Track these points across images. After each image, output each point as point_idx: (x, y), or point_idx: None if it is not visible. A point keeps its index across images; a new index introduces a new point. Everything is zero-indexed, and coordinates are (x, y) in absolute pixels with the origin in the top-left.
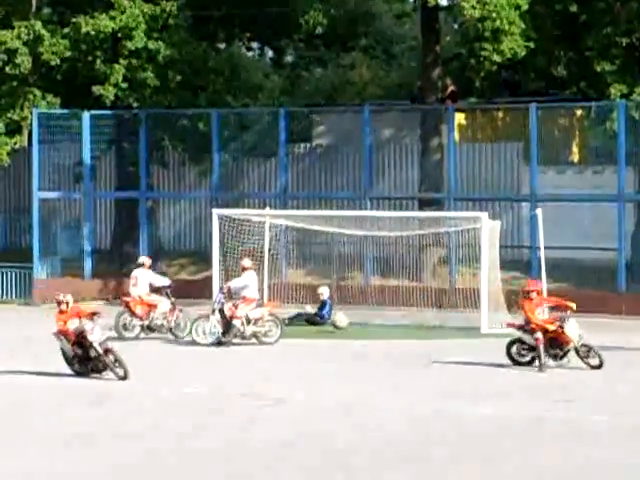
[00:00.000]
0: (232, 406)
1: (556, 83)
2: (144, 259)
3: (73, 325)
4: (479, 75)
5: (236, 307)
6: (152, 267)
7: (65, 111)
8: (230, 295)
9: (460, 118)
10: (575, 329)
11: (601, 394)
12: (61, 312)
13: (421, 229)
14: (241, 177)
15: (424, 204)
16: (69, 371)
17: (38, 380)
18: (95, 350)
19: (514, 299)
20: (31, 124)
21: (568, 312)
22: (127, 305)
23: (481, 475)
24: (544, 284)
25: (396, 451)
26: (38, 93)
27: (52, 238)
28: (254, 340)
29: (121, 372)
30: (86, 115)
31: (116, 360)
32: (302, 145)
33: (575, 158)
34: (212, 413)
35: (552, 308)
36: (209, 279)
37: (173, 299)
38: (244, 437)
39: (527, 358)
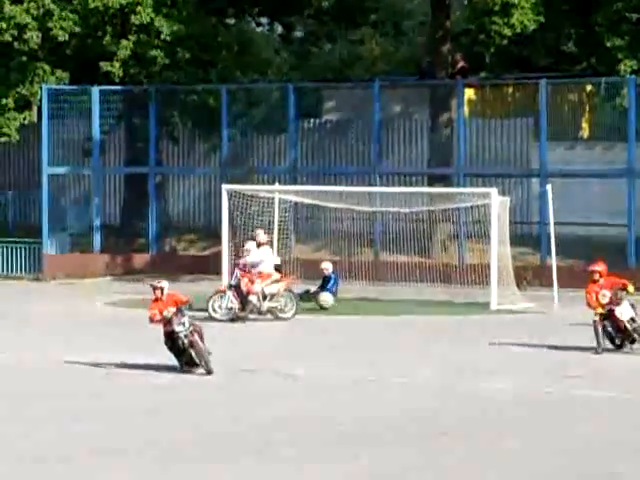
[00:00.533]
0: (243, 382)
1: (566, 59)
2: None
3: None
4: (489, 50)
5: (252, 282)
6: (161, 242)
7: (74, 87)
8: (246, 270)
9: (470, 94)
10: (628, 312)
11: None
12: (156, 300)
13: (430, 205)
14: (250, 153)
15: (433, 180)
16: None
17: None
18: (182, 343)
19: (523, 275)
20: (40, 100)
21: (624, 293)
22: None
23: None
24: (553, 260)
25: (413, 426)
26: (47, 69)
27: (61, 214)
28: (269, 316)
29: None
30: (95, 91)
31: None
32: (311, 120)
33: (585, 134)
34: (220, 389)
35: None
36: (218, 255)
37: None
38: (255, 413)
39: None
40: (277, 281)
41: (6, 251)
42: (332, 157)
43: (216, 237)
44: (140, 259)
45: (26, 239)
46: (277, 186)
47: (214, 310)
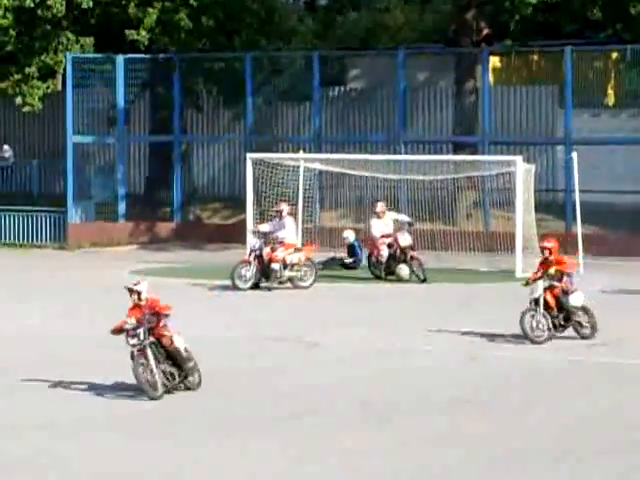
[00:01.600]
0: (266, 350)
1: (591, 26)
2: None
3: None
4: (514, 18)
5: (274, 251)
6: (186, 211)
7: (99, 55)
8: (268, 240)
9: (495, 61)
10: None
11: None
12: (133, 307)
13: (455, 173)
14: (275, 121)
15: (458, 147)
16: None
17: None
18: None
19: None
20: (65, 69)
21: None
22: None
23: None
24: (578, 228)
25: (438, 394)
26: (72, 37)
27: (86, 182)
28: (289, 284)
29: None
30: (120, 59)
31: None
32: (336, 89)
33: (610, 101)
34: (245, 356)
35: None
36: (242, 223)
37: None
38: (266, 382)
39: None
40: (298, 250)
41: (31, 220)
42: (356, 125)
43: (240, 205)
44: (164, 227)
45: (51, 208)
46: (302, 154)
47: (239, 278)
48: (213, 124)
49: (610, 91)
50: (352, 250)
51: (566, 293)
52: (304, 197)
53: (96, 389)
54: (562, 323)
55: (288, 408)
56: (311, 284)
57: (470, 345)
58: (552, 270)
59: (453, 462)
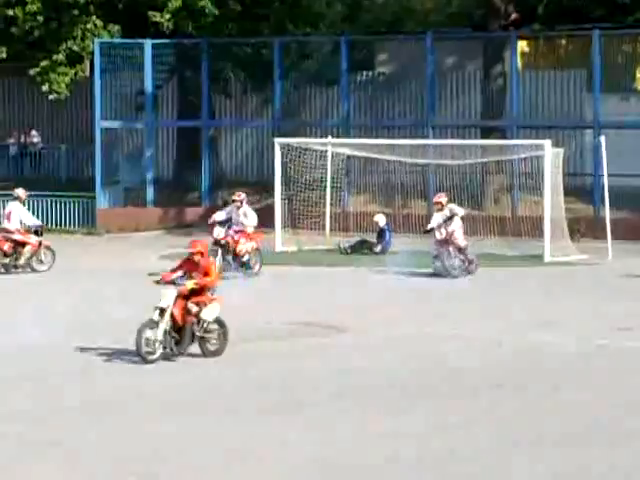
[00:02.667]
0: (296, 334)
1: (619, 9)
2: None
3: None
4: (542, 2)
5: (237, 242)
6: (214, 196)
7: (127, 40)
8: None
9: (523, 45)
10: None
11: None
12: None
13: (483, 157)
14: (303, 106)
15: (486, 132)
16: None
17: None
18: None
19: (577, 227)
20: (92, 54)
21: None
22: None
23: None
24: (607, 212)
25: (468, 378)
26: (99, 22)
27: (114, 167)
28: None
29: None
30: (148, 44)
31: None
32: (364, 73)
33: (639, 85)
34: (275, 340)
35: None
36: (271, 208)
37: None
38: (298, 366)
39: None
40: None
41: (60, 205)
42: (385, 110)
43: (268, 190)
44: (193, 212)
45: (79, 193)
46: (330, 139)
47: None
48: (241, 109)
49: (638, 75)
50: (382, 234)
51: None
52: (332, 182)
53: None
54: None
55: (319, 392)
56: (258, 271)
57: (499, 329)
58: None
59: (484, 445)
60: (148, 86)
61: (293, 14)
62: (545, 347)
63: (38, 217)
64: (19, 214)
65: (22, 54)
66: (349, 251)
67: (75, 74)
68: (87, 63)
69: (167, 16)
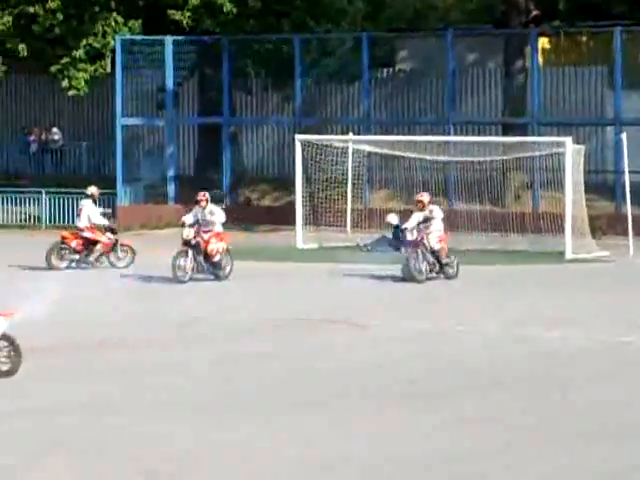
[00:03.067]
0: (314, 331)
1: None
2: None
3: None
4: None
5: (208, 243)
6: (235, 193)
7: (148, 37)
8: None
9: (544, 42)
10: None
11: None
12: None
13: (504, 154)
14: (324, 102)
15: (507, 129)
16: None
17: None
18: None
19: (598, 224)
20: (113, 51)
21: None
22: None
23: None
24: (628, 208)
25: (485, 375)
26: (119, 19)
27: (135, 165)
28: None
29: None
30: (169, 41)
31: None
32: (385, 70)
33: None
34: (294, 338)
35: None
36: (292, 205)
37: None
38: (324, 362)
39: None
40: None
41: (80, 202)
42: (405, 107)
43: (290, 187)
44: None
45: (100, 190)
46: (350, 136)
47: (178, 269)
48: (262, 106)
49: None
50: (396, 233)
51: None
52: (353, 178)
53: (142, 368)
54: None
55: (336, 388)
56: (229, 274)
57: (515, 326)
58: None
59: (500, 445)
60: (169, 83)
61: (314, 11)
62: (567, 344)
63: (60, 214)
64: (88, 212)
65: (43, 51)
66: (369, 248)
67: (95, 71)
68: (108, 60)
69: (187, 14)
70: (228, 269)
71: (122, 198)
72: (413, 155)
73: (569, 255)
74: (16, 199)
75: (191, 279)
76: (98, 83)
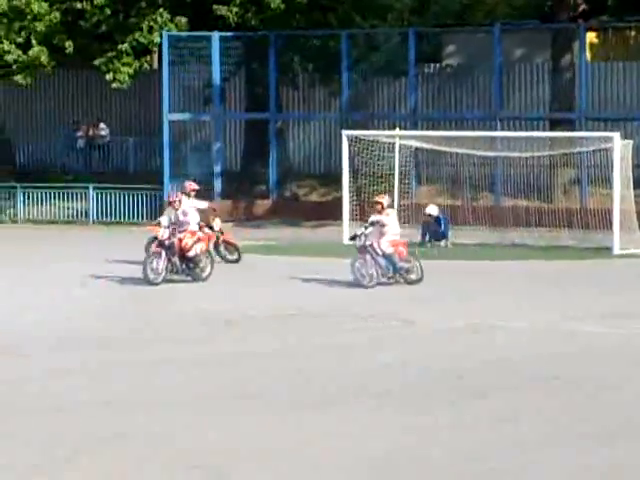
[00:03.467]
0: (361, 326)
1: None
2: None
3: None
4: None
5: (182, 241)
6: (281, 188)
7: (194, 33)
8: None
9: (591, 37)
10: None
11: None
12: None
13: (552, 149)
14: (370, 98)
15: (555, 124)
16: None
17: None
18: None
19: None
20: (158, 46)
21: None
22: None
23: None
24: None
25: (527, 371)
26: (166, 15)
27: (182, 160)
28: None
29: None
30: (216, 37)
31: None
32: (432, 65)
33: None
34: (343, 333)
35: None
36: (338, 201)
37: None
38: (372, 357)
39: None
40: (199, 240)
41: (128, 198)
42: (452, 102)
43: (337, 183)
44: (261, 205)
45: (147, 186)
46: (398, 131)
47: (151, 271)
48: (308, 101)
49: None
50: (437, 224)
51: None
52: (400, 174)
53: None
54: None
55: (385, 383)
56: (208, 276)
57: (562, 322)
58: None
59: (542, 438)
60: (216, 78)
61: (361, 6)
62: (613, 340)
63: (106, 210)
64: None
65: (89, 47)
66: (419, 244)
67: (140, 66)
68: (155, 56)
69: (234, 9)
70: (208, 271)
71: (169, 194)
72: (460, 151)
73: (617, 251)
74: (64, 195)
75: (165, 281)
76: (145, 79)
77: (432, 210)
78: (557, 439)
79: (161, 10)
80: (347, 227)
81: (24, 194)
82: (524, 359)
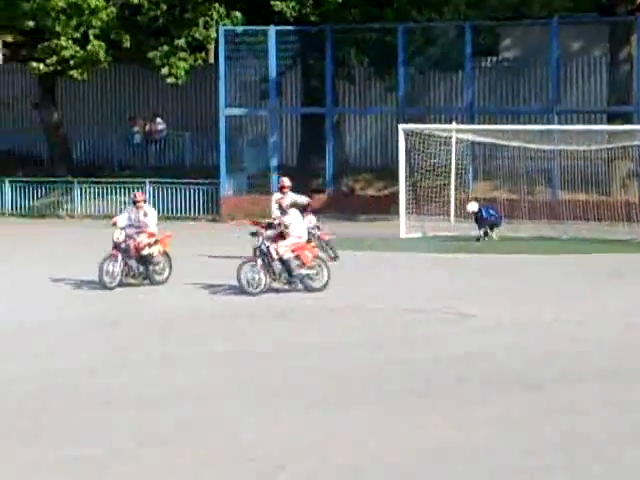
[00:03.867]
0: (421, 320)
1: None
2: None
3: None
4: None
5: (139, 243)
6: (338, 182)
7: (250, 28)
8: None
9: None
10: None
11: None
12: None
13: (610, 143)
14: (427, 92)
15: (613, 117)
16: None
17: None
18: None
19: None
20: (215, 41)
21: None
22: None
23: None
24: None
25: (587, 365)
26: (222, 10)
27: (238, 155)
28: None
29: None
30: (272, 31)
31: None
32: (488, 59)
33: None
34: (400, 326)
35: None
36: (395, 195)
37: None
38: (433, 350)
39: None
40: (156, 242)
41: (184, 192)
42: (509, 95)
43: (393, 177)
44: (317, 199)
45: (203, 180)
46: (454, 125)
47: (106, 275)
48: (365, 95)
49: None
50: (480, 218)
51: None
52: (457, 168)
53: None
54: None
55: (445, 376)
56: (167, 278)
57: (620, 316)
58: None
59: (595, 429)
60: (272, 73)
61: (417, 0)
62: None
63: (163, 204)
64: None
65: (145, 43)
66: (481, 237)
67: (195, 61)
68: (211, 51)
69: (291, 4)
70: (166, 274)
71: (225, 188)
72: (517, 144)
73: None
74: (120, 190)
75: (121, 284)
76: (201, 73)
77: (472, 207)
78: (621, 430)
79: (216, 5)
80: (403, 221)
81: (81, 189)
82: (585, 352)
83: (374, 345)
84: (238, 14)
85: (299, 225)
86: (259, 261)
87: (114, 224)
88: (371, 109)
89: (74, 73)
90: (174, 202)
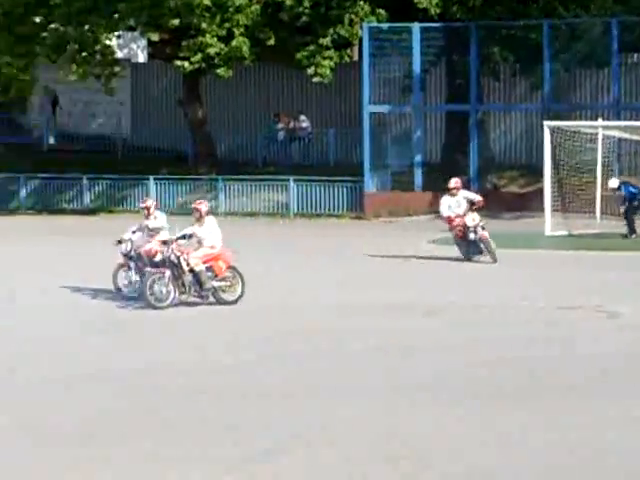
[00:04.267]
0: (561, 318)
1: None
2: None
3: None
4: None
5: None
6: (482, 180)
7: (395, 25)
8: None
9: None
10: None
11: None
12: None
13: None
14: (572, 88)
15: None
16: None
17: None
18: None
19: None
20: (360, 38)
21: None
22: None
23: None
24: None
25: None
26: (367, 8)
27: (382, 152)
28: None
29: None
30: (416, 28)
31: None
32: (635, 55)
33: None
34: (548, 325)
35: None
36: (540, 192)
37: None
38: (575, 349)
39: None
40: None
41: (328, 189)
42: None
43: (538, 174)
44: None
45: (347, 177)
46: (600, 122)
47: (123, 285)
48: (510, 92)
49: None
50: (624, 197)
51: None
52: (603, 165)
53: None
54: None
55: (584, 374)
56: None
57: None
58: None
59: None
60: (416, 70)
61: None
62: None
63: (307, 202)
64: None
65: (289, 40)
66: (631, 235)
67: (340, 58)
68: (355, 48)
69: (435, 1)
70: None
71: (369, 185)
72: None
73: None
74: (264, 187)
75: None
76: (344, 71)
77: (613, 183)
78: None
79: (361, 2)
80: (549, 218)
81: (225, 186)
82: None
83: (524, 341)
84: (382, 11)
85: (213, 234)
86: (167, 273)
87: (119, 242)
88: (516, 106)
89: (220, 71)
90: (318, 199)
